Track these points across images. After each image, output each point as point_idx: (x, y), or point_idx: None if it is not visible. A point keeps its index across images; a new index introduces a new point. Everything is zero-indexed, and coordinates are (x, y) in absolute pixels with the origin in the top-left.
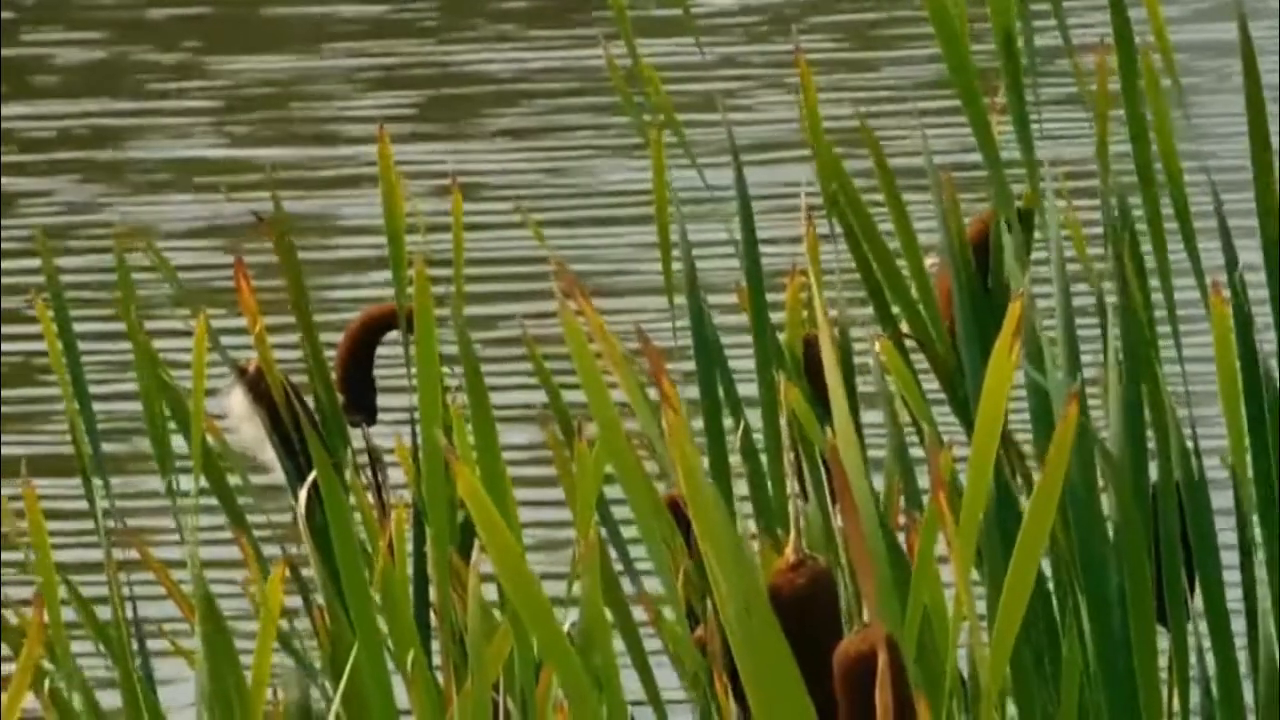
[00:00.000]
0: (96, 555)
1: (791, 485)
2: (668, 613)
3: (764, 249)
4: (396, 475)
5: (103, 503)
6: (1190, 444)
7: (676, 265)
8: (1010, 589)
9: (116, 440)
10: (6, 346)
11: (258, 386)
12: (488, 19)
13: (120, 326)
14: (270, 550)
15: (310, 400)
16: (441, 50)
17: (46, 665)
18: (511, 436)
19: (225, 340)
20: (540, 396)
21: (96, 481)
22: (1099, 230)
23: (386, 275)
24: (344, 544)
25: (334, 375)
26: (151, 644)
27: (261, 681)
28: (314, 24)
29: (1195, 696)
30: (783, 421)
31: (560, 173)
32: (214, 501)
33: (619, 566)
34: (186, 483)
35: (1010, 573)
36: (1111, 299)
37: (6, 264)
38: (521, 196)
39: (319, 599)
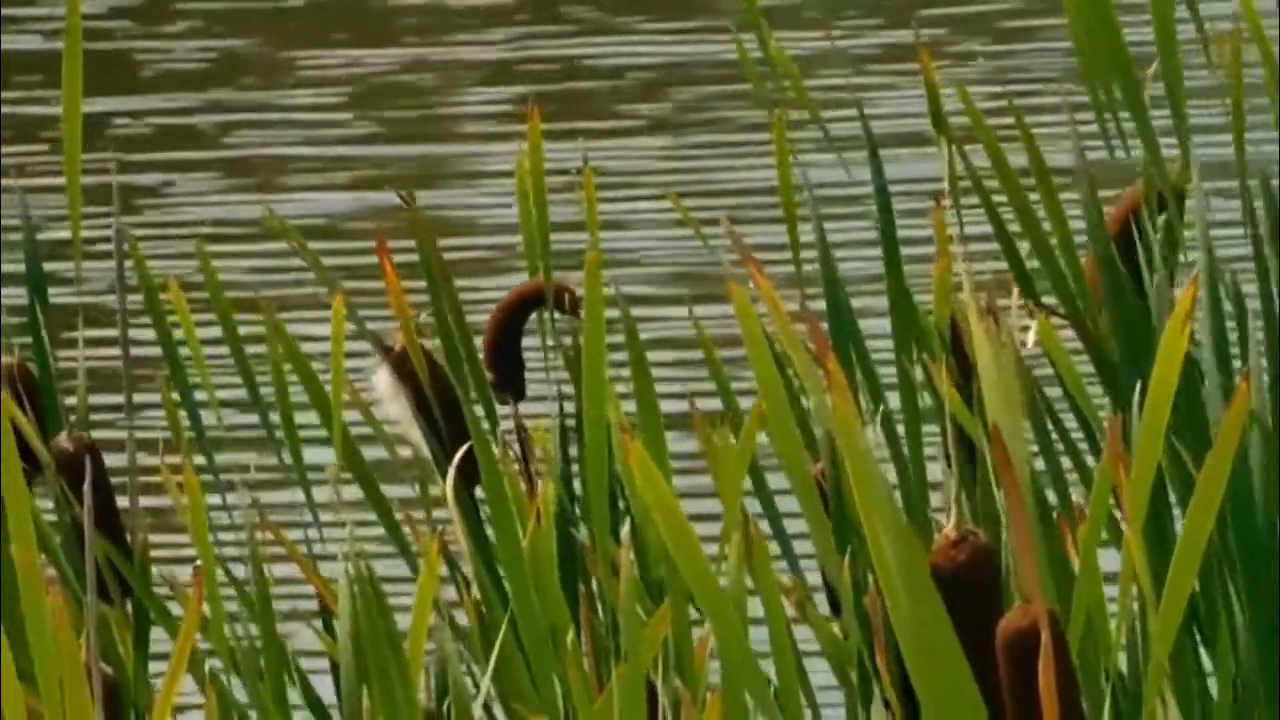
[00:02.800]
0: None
1: (949, 463)
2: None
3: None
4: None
5: (235, 498)
6: None
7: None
8: (1179, 562)
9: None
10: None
11: (402, 365)
12: (609, 10)
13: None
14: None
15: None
16: (563, 42)
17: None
18: None
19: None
20: (675, 404)
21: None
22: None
23: (501, 280)
24: (501, 519)
25: (482, 353)
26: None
27: (418, 657)
28: (432, 14)
29: None
30: (922, 401)
31: (686, 168)
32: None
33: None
34: (315, 458)
35: (1180, 543)
36: (1251, 285)
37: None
38: (646, 192)
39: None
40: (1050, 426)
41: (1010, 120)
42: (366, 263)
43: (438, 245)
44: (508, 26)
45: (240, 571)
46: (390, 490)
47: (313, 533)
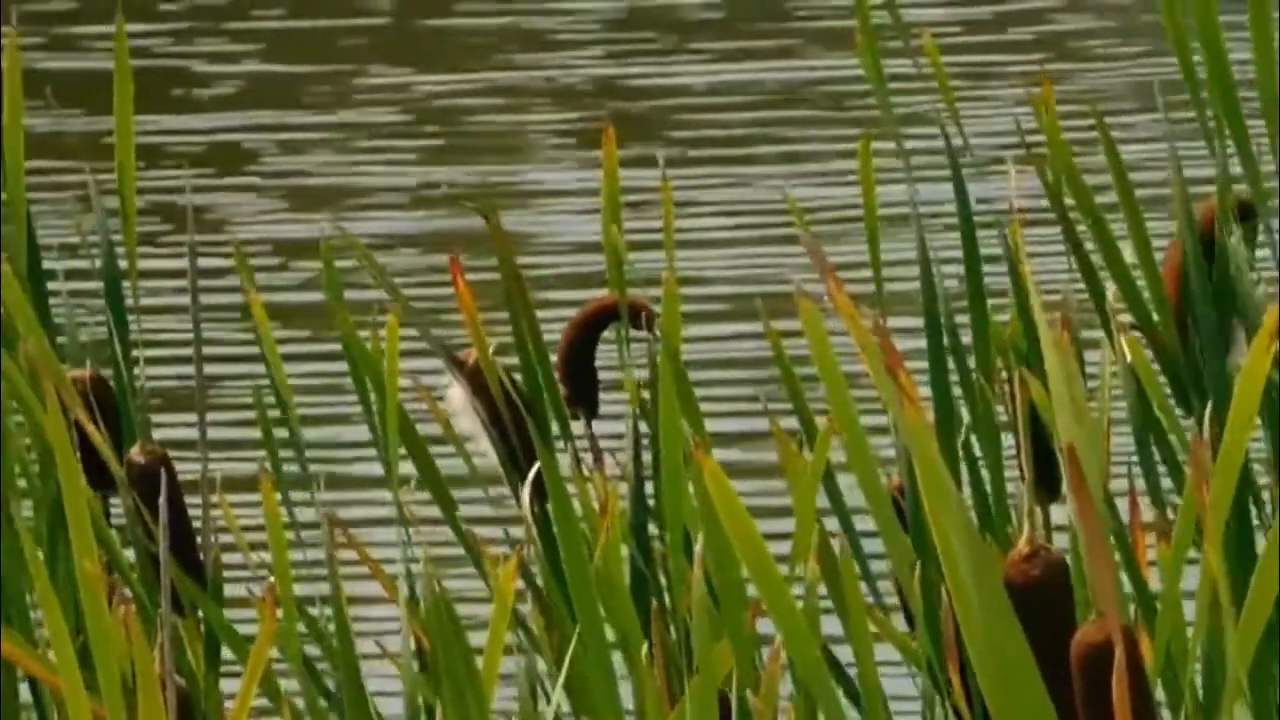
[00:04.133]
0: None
1: (1024, 477)
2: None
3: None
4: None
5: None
6: None
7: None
8: (1259, 580)
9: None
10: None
11: (476, 380)
12: (669, 31)
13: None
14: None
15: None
16: (621, 64)
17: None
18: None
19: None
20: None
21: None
22: None
23: (563, 295)
24: (568, 537)
25: (556, 368)
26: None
27: (492, 674)
28: (491, 36)
29: None
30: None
31: (750, 190)
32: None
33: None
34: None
35: (1261, 560)
36: None
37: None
38: (704, 211)
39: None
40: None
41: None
42: (425, 280)
43: (515, 261)
44: (566, 51)
45: (308, 585)
46: (466, 507)
47: (389, 547)
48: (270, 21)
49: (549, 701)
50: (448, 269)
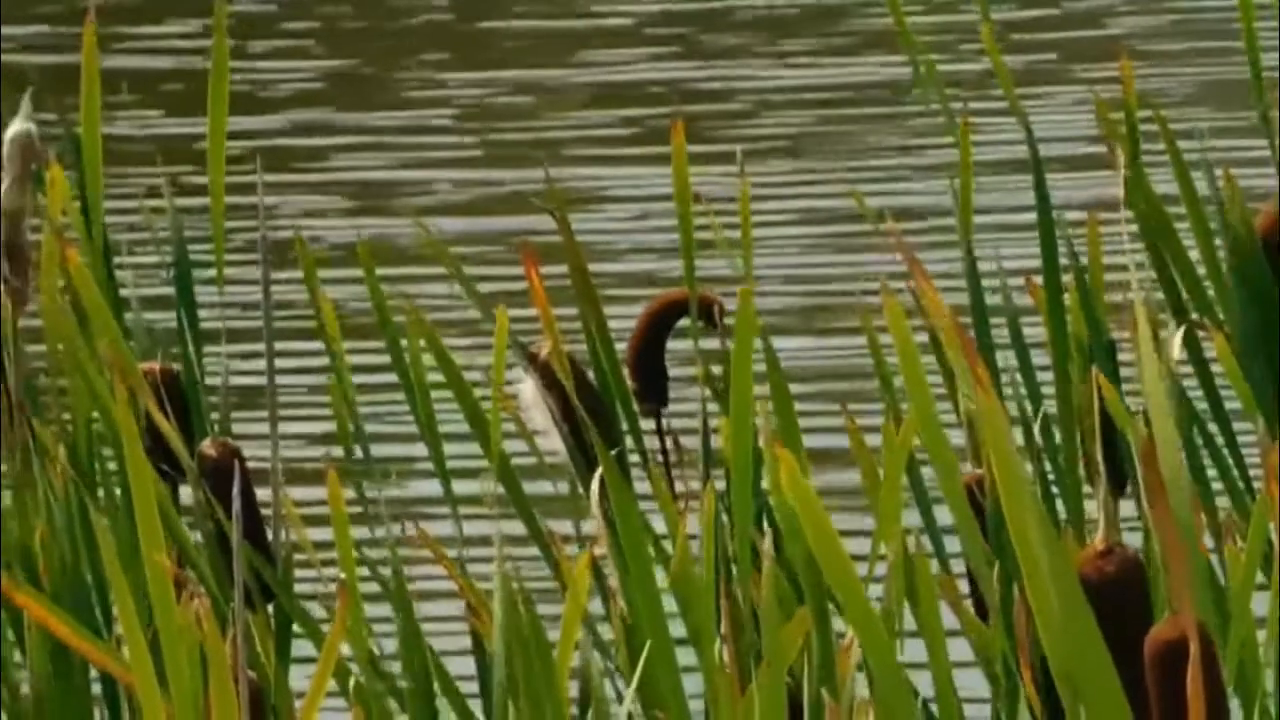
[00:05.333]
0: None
1: (1096, 474)
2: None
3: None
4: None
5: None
6: None
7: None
8: None
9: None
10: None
11: (548, 375)
12: (733, 31)
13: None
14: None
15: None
16: (684, 65)
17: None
18: None
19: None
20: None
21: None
22: None
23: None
24: (630, 534)
25: (625, 362)
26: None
27: (565, 668)
28: (554, 37)
29: None
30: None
31: (812, 193)
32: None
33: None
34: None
35: None
36: None
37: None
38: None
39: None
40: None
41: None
42: (481, 278)
43: (583, 256)
44: (615, 49)
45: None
46: (538, 503)
47: (459, 541)
48: (328, 21)
49: (620, 700)
50: (501, 268)
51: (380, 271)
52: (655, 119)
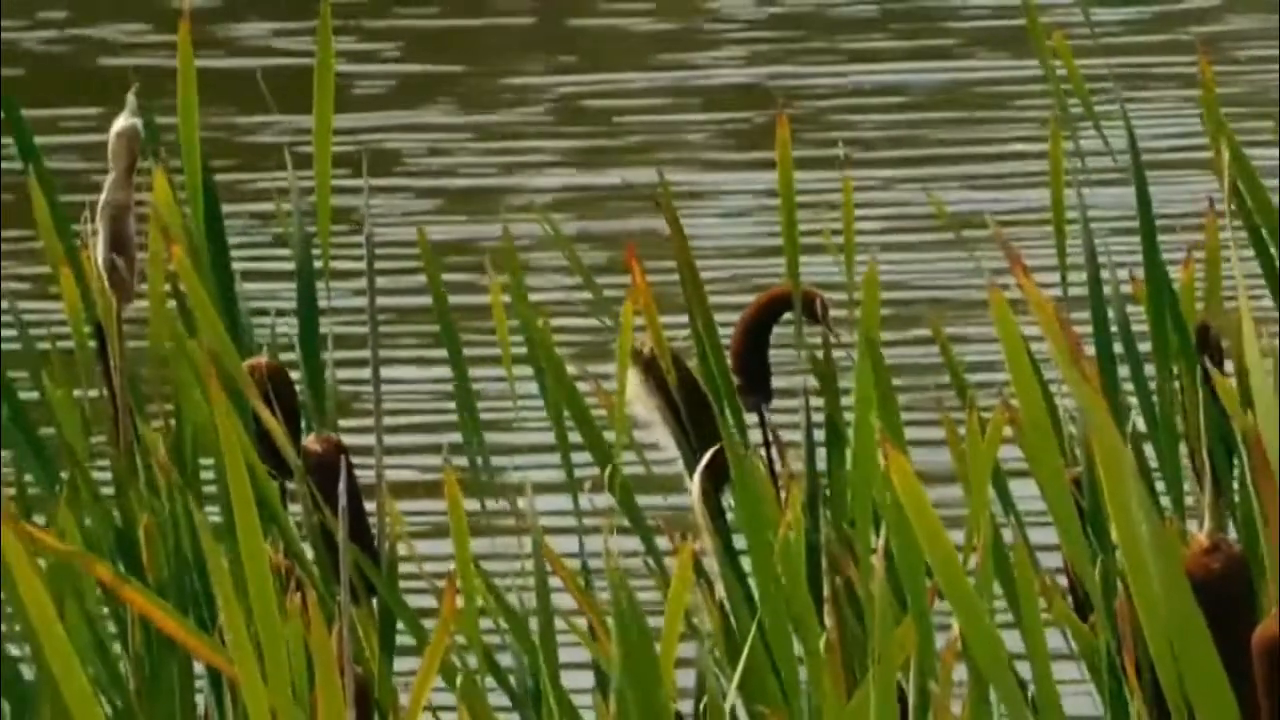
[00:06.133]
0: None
1: (1201, 469)
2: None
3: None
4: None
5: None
6: None
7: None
8: None
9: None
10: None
11: (652, 369)
12: (818, 31)
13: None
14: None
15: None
16: (773, 68)
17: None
18: None
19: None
20: None
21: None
22: None
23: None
24: (752, 520)
25: (729, 357)
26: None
27: (669, 663)
28: (636, 37)
29: None
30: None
31: (898, 198)
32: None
33: None
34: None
35: None
36: None
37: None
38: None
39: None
40: None
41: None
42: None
43: (690, 252)
44: (706, 51)
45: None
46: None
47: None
48: (413, 20)
49: (723, 696)
50: (596, 269)
51: (462, 277)
52: (734, 123)
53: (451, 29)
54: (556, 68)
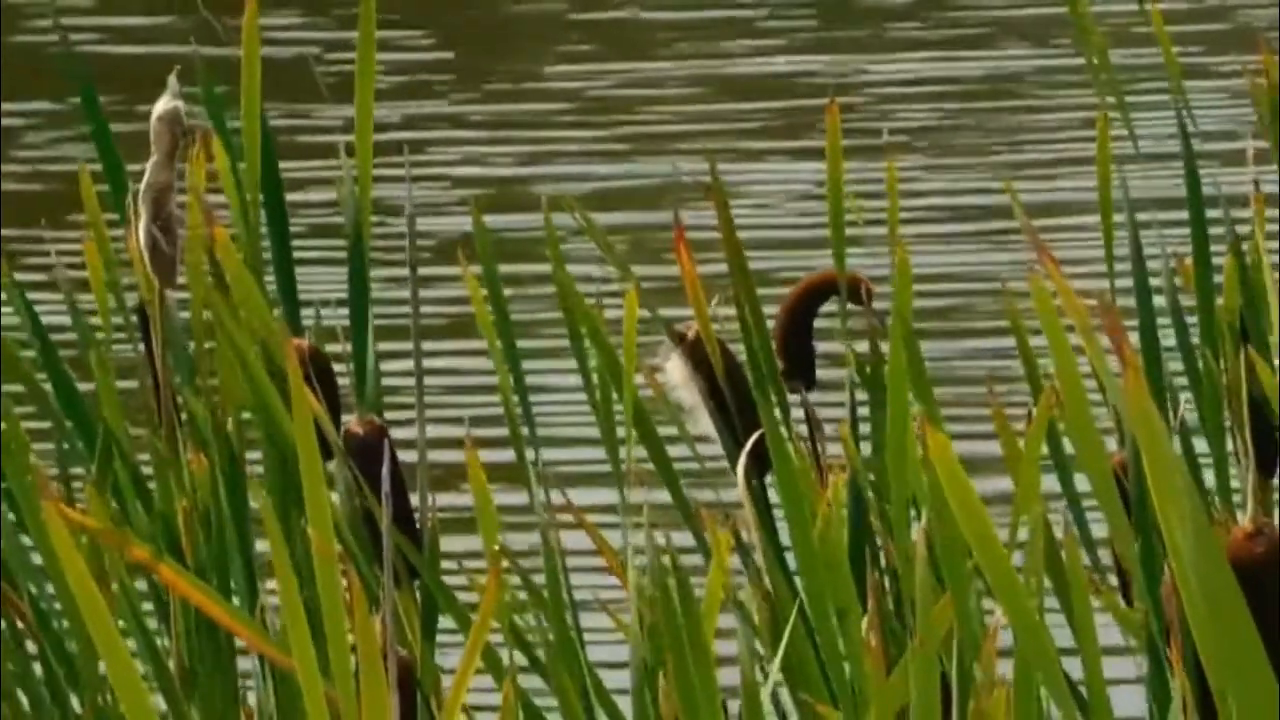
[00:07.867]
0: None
1: (1245, 454)
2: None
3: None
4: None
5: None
6: None
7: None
8: None
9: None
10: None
11: (696, 353)
12: (861, 21)
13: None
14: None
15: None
16: (809, 58)
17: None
18: None
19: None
20: None
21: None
22: None
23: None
24: (793, 504)
25: (773, 342)
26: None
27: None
28: (659, 28)
29: None
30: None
31: (933, 189)
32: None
33: None
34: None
35: None
36: None
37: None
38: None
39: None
40: None
41: None
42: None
43: (738, 236)
44: (737, 40)
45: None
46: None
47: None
48: (443, 10)
49: (765, 678)
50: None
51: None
52: (768, 114)
53: (482, 19)
54: (584, 57)
